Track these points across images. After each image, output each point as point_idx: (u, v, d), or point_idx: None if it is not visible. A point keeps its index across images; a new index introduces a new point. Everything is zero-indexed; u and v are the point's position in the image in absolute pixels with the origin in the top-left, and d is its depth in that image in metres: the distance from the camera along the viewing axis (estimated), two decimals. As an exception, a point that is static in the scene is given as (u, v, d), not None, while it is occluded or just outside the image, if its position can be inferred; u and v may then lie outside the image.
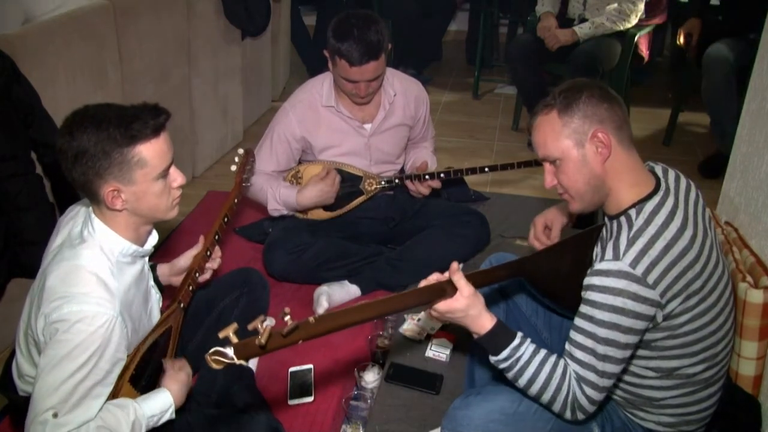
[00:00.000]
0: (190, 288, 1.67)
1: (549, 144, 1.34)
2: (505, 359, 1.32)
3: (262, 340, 1.08)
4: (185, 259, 1.71)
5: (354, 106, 2.33)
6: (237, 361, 1.12)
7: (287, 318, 1.10)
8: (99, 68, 2.41)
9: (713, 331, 1.34)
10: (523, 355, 1.31)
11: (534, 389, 1.31)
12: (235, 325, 1.09)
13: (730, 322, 1.40)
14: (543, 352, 1.32)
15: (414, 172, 2.40)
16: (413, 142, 2.58)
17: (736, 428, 1.56)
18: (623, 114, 1.33)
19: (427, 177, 2.37)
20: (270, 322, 2.18)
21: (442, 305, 1.33)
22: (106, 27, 2.42)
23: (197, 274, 1.69)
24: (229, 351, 1.11)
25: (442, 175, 2.37)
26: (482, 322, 1.34)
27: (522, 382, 1.32)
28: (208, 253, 1.72)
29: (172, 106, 2.87)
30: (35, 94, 1.98)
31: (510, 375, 1.34)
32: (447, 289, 1.32)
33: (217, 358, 1.12)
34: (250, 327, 1.08)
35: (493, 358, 1.34)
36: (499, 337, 1.33)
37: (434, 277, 1.36)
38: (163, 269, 1.72)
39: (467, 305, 1.32)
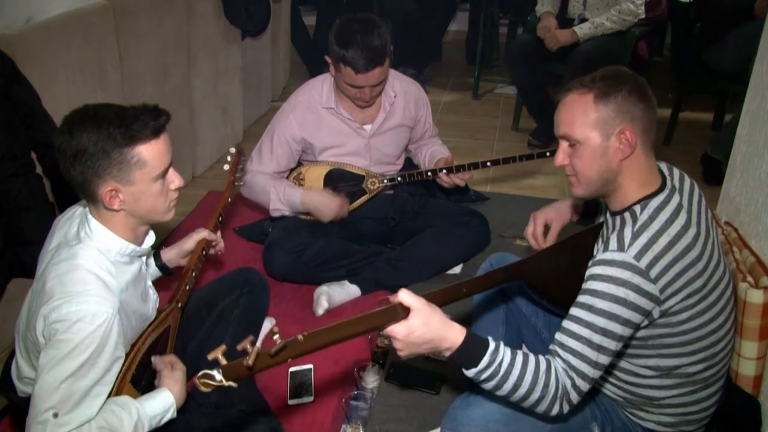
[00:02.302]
0: (187, 287, 1.67)
1: (576, 125, 1.32)
2: (487, 367, 1.22)
3: (250, 361, 1.07)
4: (191, 241, 1.74)
5: (354, 108, 2.33)
6: (225, 383, 1.11)
7: (276, 337, 1.09)
8: (99, 68, 2.41)
9: (713, 330, 1.34)
10: (503, 359, 1.22)
11: (521, 392, 1.23)
12: (223, 347, 1.08)
13: (731, 321, 1.40)
14: (520, 352, 1.26)
15: (442, 166, 2.38)
16: (419, 143, 2.58)
17: (736, 428, 1.56)
18: (654, 118, 1.32)
19: (428, 174, 2.37)
20: (270, 323, 2.20)
21: (400, 330, 1.18)
22: (106, 27, 2.42)
23: (194, 274, 1.69)
24: (217, 373, 1.11)
25: (444, 170, 2.37)
26: (450, 334, 1.21)
27: (507, 387, 1.23)
28: (204, 252, 1.73)
29: (172, 106, 2.87)
30: (35, 95, 1.98)
31: (492, 384, 1.24)
32: (399, 312, 1.19)
33: (205, 381, 1.12)
34: (239, 347, 1.08)
35: (471, 371, 1.23)
36: (474, 345, 1.23)
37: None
38: (170, 253, 1.74)
39: (425, 319, 1.18)
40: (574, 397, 1.26)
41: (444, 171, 2.37)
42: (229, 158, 2.08)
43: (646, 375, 1.38)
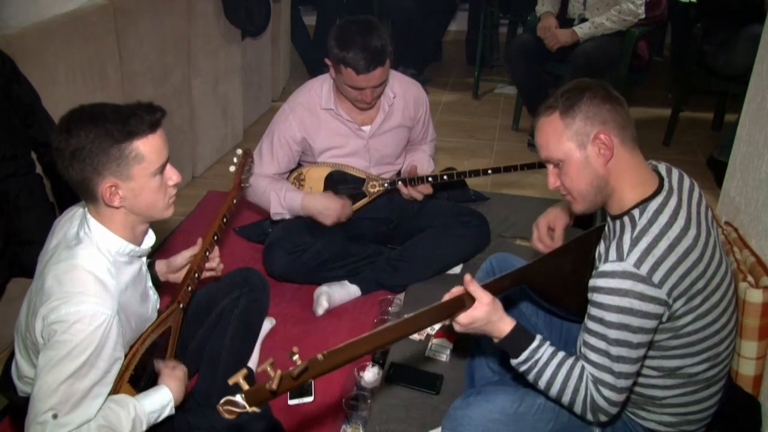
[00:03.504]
0: (189, 288, 1.67)
1: (551, 146, 1.34)
2: (525, 361, 1.33)
3: (273, 385, 1.06)
4: (182, 258, 1.72)
5: (354, 109, 2.33)
6: (249, 409, 1.10)
7: (296, 357, 1.07)
8: (99, 68, 2.41)
9: (716, 330, 1.34)
10: (541, 357, 1.32)
11: (554, 391, 1.32)
12: (244, 371, 1.07)
13: (733, 322, 1.40)
14: (561, 354, 1.33)
15: (407, 176, 2.39)
16: (412, 144, 2.58)
17: (737, 428, 1.56)
18: (626, 114, 1.33)
19: (429, 179, 2.37)
20: (270, 323, 2.20)
21: (464, 317, 1.32)
22: (106, 27, 2.42)
23: (196, 275, 1.69)
24: (240, 399, 1.09)
25: (445, 177, 2.37)
26: (502, 326, 1.34)
27: (542, 383, 1.33)
28: (207, 253, 1.72)
29: (172, 106, 2.87)
30: (35, 94, 1.98)
31: (531, 377, 1.35)
32: (466, 301, 1.32)
33: (228, 408, 1.09)
34: (259, 370, 1.07)
35: (513, 361, 1.36)
36: (519, 339, 1.34)
37: (456, 290, 1.34)
38: (160, 266, 1.72)
39: (488, 312, 1.32)
40: (605, 406, 1.30)
41: (445, 177, 2.36)
42: (235, 159, 2.07)
43: (649, 375, 1.38)
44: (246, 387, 1.07)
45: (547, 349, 1.33)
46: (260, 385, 1.09)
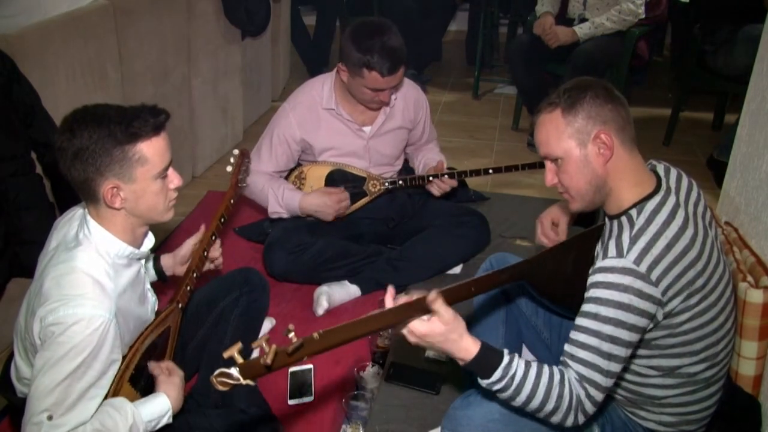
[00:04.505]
0: (188, 288, 1.67)
1: (552, 143, 1.34)
2: (499, 380, 1.25)
3: (268, 359, 1.06)
4: (187, 247, 1.73)
5: (355, 110, 2.33)
6: (243, 382, 1.10)
7: (291, 335, 1.08)
8: (99, 68, 2.41)
9: (714, 329, 1.34)
10: (516, 372, 1.25)
11: (534, 403, 1.25)
12: (239, 345, 1.08)
13: (731, 321, 1.40)
14: (535, 363, 1.27)
15: (432, 173, 2.39)
16: (416, 145, 2.58)
17: (736, 428, 1.56)
18: (627, 115, 1.33)
19: (430, 178, 2.37)
20: (270, 323, 2.20)
21: (421, 328, 1.23)
22: (106, 27, 2.42)
23: (195, 275, 1.69)
24: (235, 371, 1.09)
25: (445, 177, 2.37)
26: (465, 346, 1.25)
27: (520, 399, 1.26)
28: (206, 253, 1.73)
29: (172, 106, 2.87)
30: (35, 94, 1.98)
31: (506, 395, 1.27)
32: (423, 307, 1.22)
33: (222, 379, 1.10)
34: (254, 345, 1.08)
35: (485, 382, 1.26)
36: (487, 359, 1.25)
37: (416, 295, 1.25)
38: (166, 260, 1.73)
39: (446, 330, 1.22)
40: (589, 407, 1.27)
41: (445, 176, 2.37)
42: (232, 159, 2.07)
43: (648, 375, 1.38)
44: (240, 360, 1.08)
45: (519, 363, 1.25)
46: (255, 360, 1.10)
